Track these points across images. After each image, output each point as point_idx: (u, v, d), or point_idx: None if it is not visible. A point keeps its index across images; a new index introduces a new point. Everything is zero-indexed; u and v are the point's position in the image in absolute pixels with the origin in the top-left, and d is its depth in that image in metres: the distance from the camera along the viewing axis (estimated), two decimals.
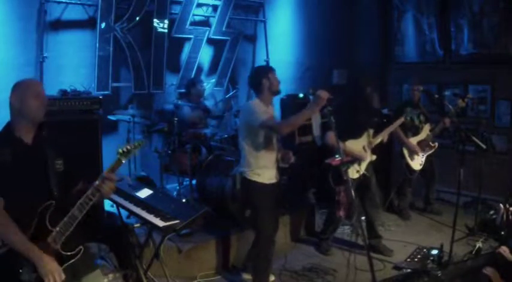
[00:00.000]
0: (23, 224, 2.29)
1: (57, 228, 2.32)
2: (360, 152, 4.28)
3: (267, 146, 3.56)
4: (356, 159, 4.23)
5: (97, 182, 2.35)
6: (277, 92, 3.66)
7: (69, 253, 2.35)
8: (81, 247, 2.39)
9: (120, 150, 2.39)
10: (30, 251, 2.23)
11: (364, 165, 4.33)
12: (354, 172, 4.20)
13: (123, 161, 2.41)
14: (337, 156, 3.40)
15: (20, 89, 2.45)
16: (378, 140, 4.50)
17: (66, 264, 2.33)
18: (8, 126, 2.48)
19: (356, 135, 4.30)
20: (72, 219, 2.33)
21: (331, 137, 4.01)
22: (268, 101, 3.60)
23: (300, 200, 5.22)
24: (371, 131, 4.44)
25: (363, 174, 4.34)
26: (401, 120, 4.69)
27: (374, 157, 4.45)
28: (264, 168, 3.56)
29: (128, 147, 2.40)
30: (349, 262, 3.78)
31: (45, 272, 2.22)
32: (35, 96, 2.43)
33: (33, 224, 2.31)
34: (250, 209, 3.74)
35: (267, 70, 3.64)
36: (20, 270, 2.22)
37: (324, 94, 3.19)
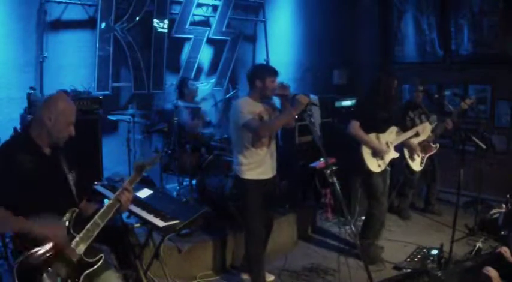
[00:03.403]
0: None
1: (80, 235, 2.35)
2: (382, 145, 4.22)
3: (256, 143, 3.53)
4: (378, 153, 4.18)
5: (117, 193, 2.45)
6: (268, 97, 3.59)
7: (91, 260, 2.38)
8: (101, 255, 2.42)
9: (139, 164, 2.52)
10: (28, 226, 2.24)
11: (387, 159, 4.28)
12: (376, 166, 4.18)
13: (143, 174, 2.53)
14: (321, 159, 3.40)
15: (56, 110, 2.43)
16: (399, 140, 4.48)
17: (88, 271, 2.36)
18: (28, 132, 2.48)
19: (379, 130, 4.25)
20: (95, 227, 2.37)
21: (355, 126, 4.02)
22: (258, 99, 3.57)
23: (300, 200, 5.21)
24: (395, 129, 4.41)
25: (385, 169, 4.28)
26: (425, 125, 4.74)
27: (397, 155, 4.42)
28: (253, 164, 3.56)
29: (147, 161, 2.53)
30: (346, 262, 3.78)
31: (46, 234, 2.24)
32: (69, 124, 2.46)
33: None
34: (241, 206, 3.72)
35: (266, 74, 3.55)
36: (44, 275, 2.23)
37: (303, 99, 3.23)
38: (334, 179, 3.07)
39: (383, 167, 4.25)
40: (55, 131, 2.43)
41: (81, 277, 2.32)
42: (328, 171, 3.08)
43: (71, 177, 2.54)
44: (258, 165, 3.58)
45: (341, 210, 3.09)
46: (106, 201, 3.28)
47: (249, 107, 3.49)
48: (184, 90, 5.14)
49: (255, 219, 3.59)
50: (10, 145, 2.48)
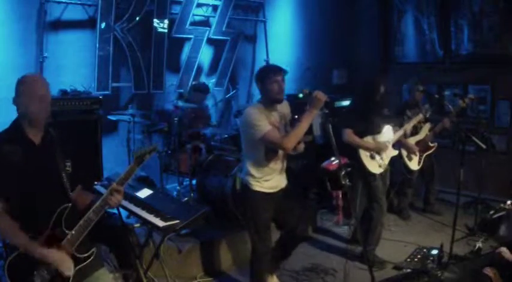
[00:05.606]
0: (38, 226, 2.28)
1: (73, 232, 2.31)
2: (380, 144, 4.16)
3: (270, 157, 3.24)
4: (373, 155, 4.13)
5: (113, 185, 2.35)
6: (276, 101, 3.21)
7: (83, 255, 2.35)
8: (94, 249, 2.39)
9: (137, 154, 2.38)
10: (32, 248, 2.21)
11: (386, 159, 4.23)
12: (376, 167, 4.13)
13: (139, 165, 2.40)
14: (333, 158, 3.32)
15: (21, 89, 2.38)
16: (397, 136, 4.46)
17: (80, 266, 2.33)
18: (17, 123, 2.42)
19: (375, 132, 4.18)
20: (88, 223, 2.32)
21: (348, 133, 3.97)
22: (269, 105, 3.23)
23: (300, 200, 5.21)
24: (390, 127, 4.36)
25: (386, 170, 4.25)
26: (420, 117, 4.74)
27: (396, 152, 4.39)
28: (263, 179, 3.28)
29: (144, 151, 2.39)
30: (346, 262, 3.78)
31: (56, 263, 2.22)
32: (36, 98, 2.35)
33: (49, 226, 2.30)
34: (247, 218, 3.40)
35: (263, 75, 3.22)
36: (34, 273, 2.22)
37: (320, 95, 3.06)
38: (347, 181, 2.96)
39: (384, 167, 4.22)
40: (28, 112, 2.35)
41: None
42: (343, 173, 2.96)
43: (66, 167, 2.46)
44: (267, 179, 3.29)
45: (349, 211, 3.02)
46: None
47: (263, 116, 3.14)
48: (193, 93, 5.12)
49: (264, 235, 3.31)
50: None
